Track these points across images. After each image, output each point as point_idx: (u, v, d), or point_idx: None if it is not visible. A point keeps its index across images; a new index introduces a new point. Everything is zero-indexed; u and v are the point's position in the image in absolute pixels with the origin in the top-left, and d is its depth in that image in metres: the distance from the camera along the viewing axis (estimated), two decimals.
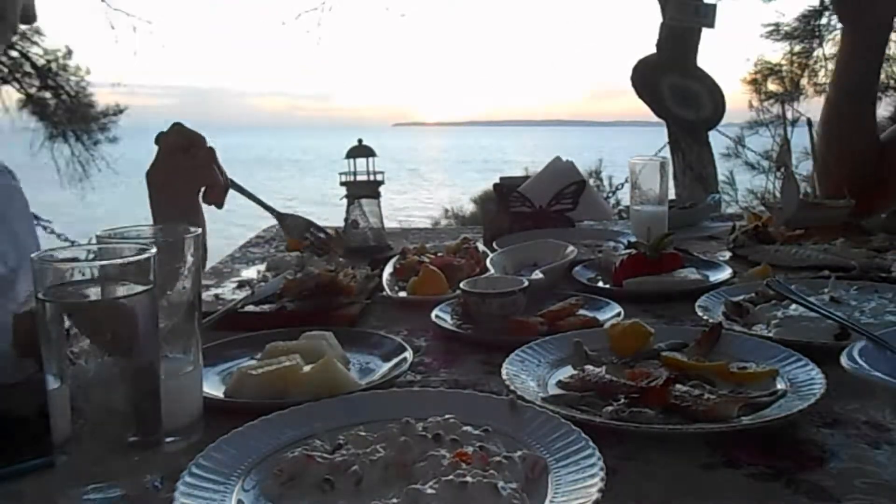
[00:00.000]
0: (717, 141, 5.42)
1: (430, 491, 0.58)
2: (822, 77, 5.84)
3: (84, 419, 0.62)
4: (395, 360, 0.94)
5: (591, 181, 4.81)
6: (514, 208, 1.72)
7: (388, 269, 1.41)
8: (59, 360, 0.62)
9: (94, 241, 0.71)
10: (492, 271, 1.29)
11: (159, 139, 1.17)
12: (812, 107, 5.85)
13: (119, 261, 0.65)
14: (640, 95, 4.86)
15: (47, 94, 7.42)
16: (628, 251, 1.37)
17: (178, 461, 0.66)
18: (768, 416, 0.74)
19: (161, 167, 1.17)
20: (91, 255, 0.67)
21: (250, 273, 1.43)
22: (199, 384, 0.79)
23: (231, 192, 1.23)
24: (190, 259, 0.74)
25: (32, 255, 0.62)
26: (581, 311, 1.12)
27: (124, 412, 0.63)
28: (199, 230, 0.76)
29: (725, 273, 1.34)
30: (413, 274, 1.34)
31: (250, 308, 1.18)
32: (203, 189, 1.19)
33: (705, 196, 2.27)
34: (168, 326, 0.73)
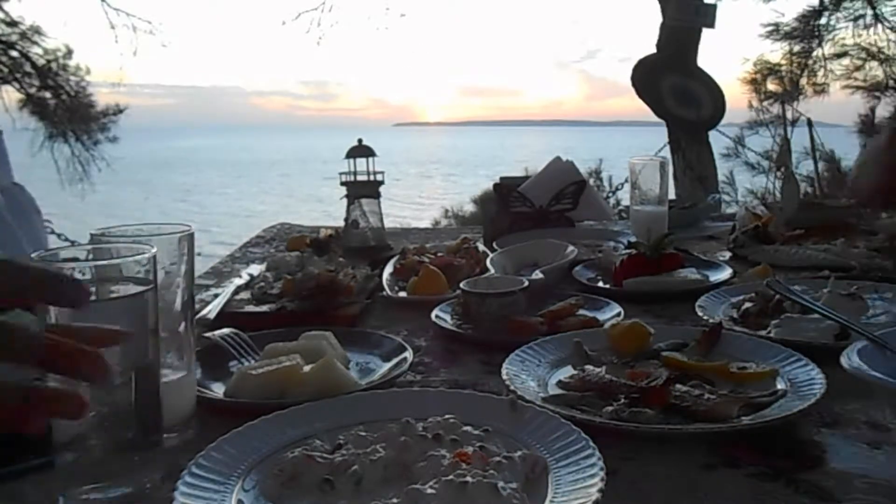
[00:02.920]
0: (717, 141, 5.42)
1: (430, 491, 0.58)
2: (822, 77, 5.84)
3: (85, 419, 0.62)
4: (395, 360, 0.94)
5: (591, 181, 4.81)
6: (514, 208, 1.72)
7: (388, 269, 1.41)
8: None
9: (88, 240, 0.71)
10: (492, 271, 1.29)
11: None
12: (812, 107, 5.85)
13: (118, 260, 0.64)
14: (640, 95, 4.86)
15: (47, 94, 7.42)
16: (628, 251, 1.37)
17: (177, 461, 0.66)
18: (768, 416, 0.74)
19: None
20: (91, 256, 0.67)
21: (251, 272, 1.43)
22: (193, 385, 0.79)
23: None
24: (185, 259, 0.74)
25: (32, 255, 0.62)
26: (581, 311, 1.12)
27: (125, 412, 0.63)
28: (192, 229, 0.75)
29: (725, 273, 1.33)
30: (413, 274, 1.34)
31: (250, 308, 1.19)
32: None
33: (705, 196, 2.27)
34: (162, 328, 0.73)
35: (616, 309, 1.14)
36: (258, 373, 0.85)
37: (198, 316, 1.08)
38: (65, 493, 0.63)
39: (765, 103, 6.07)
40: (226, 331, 0.99)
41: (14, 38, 7.08)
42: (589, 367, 0.87)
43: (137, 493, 0.63)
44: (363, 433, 0.69)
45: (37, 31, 7.13)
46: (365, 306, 1.22)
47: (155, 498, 0.64)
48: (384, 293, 1.29)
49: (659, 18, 4.86)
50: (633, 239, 1.54)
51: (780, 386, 0.82)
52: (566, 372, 0.89)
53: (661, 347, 0.93)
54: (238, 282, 1.33)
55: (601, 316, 1.11)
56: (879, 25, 5.60)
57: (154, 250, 0.65)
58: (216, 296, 1.25)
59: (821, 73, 5.85)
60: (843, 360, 0.71)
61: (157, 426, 0.66)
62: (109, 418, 0.63)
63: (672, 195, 1.99)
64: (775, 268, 1.37)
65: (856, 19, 5.64)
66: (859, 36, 5.66)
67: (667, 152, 4.99)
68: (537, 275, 1.22)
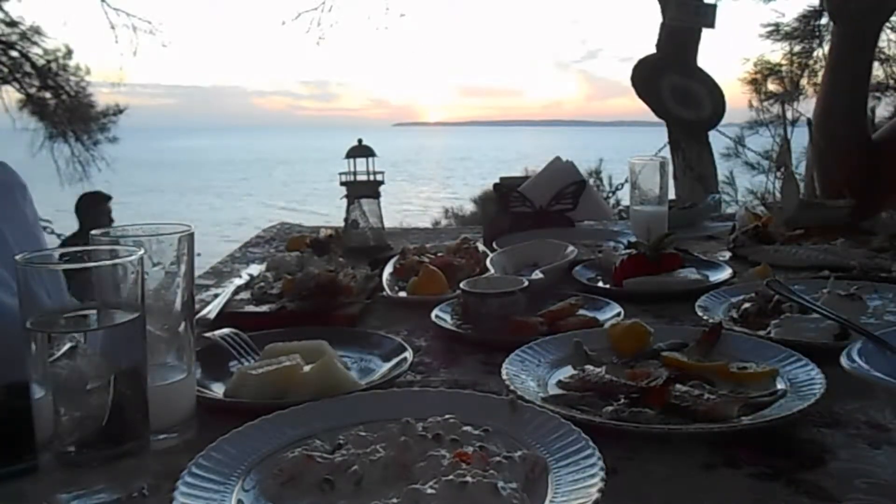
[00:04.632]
0: (717, 141, 5.43)
1: (430, 491, 0.58)
2: (822, 77, 5.86)
3: (68, 424, 0.61)
4: (395, 360, 0.94)
5: (591, 181, 4.81)
6: (514, 208, 1.72)
7: (388, 269, 1.41)
8: (44, 366, 0.61)
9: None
10: (492, 271, 1.29)
11: None
12: (812, 107, 5.86)
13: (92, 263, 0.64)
14: (640, 95, 4.86)
15: (47, 94, 7.43)
16: (628, 251, 1.37)
17: (178, 461, 0.65)
18: (768, 416, 0.74)
19: None
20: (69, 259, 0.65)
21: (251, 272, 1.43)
22: (193, 385, 0.79)
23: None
24: (185, 259, 0.74)
25: (17, 257, 0.61)
26: (581, 311, 1.12)
27: (109, 417, 0.62)
28: (192, 229, 0.75)
29: (725, 273, 1.33)
30: (413, 274, 1.33)
31: (250, 308, 1.19)
32: None
33: (705, 196, 2.27)
34: (162, 328, 0.73)
35: (616, 309, 1.14)
36: (258, 373, 0.85)
37: (198, 316, 1.08)
38: (47, 501, 0.62)
39: (765, 103, 6.07)
40: (226, 331, 0.99)
41: (14, 38, 7.08)
42: (589, 367, 0.87)
43: (126, 499, 0.62)
44: (363, 433, 0.69)
45: (37, 31, 7.14)
46: (365, 306, 1.22)
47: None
48: (384, 293, 1.29)
49: (659, 18, 4.86)
50: (633, 239, 1.54)
51: (780, 386, 0.82)
52: (566, 372, 0.89)
53: (661, 347, 0.93)
54: (238, 282, 1.33)
55: (601, 316, 1.11)
56: None
57: (141, 252, 0.64)
58: (216, 296, 1.25)
59: (821, 73, 5.86)
60: (843, 360, 0.71)
61: (144, 432, 0.65)
62: (94, 424, 0.61)
63: (672, 195, 1.99)
64: (775, 268, 1.37)
65: None
66: None
67: (667, 152, 4.98)
68: (537, 275, 1.22)
